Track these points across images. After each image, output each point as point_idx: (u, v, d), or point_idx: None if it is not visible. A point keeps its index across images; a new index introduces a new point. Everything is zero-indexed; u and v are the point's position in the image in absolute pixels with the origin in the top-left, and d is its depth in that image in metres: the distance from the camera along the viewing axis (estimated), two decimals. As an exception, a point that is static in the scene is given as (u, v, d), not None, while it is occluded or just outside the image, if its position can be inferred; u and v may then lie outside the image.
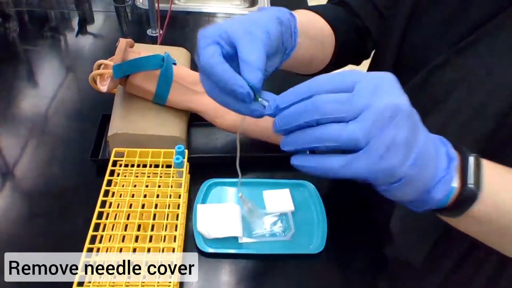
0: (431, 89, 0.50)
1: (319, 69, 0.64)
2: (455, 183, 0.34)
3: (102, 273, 0.54)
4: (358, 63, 0.71)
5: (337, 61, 0.65)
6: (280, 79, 0.66)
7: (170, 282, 0.53)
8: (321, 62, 0.63)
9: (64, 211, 0.70)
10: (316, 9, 0.62)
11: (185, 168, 0.66)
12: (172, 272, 0.53)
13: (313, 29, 0.57)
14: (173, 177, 0.65)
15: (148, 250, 0.56)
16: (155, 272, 0.54)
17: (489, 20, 0.44)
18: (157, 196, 0.62)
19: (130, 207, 0.62)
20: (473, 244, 0.51)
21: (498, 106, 0.43)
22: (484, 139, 0.45)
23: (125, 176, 0.66)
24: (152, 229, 0.60)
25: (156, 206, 0.61)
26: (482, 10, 0.46)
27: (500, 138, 0.44)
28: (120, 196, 0.64)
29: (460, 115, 0.47)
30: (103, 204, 0.59)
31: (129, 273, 0.53)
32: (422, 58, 0.53)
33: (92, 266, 0.53)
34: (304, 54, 0.54)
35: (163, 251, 0.56)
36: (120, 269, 0.55)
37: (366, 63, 0.73)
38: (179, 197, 0.61)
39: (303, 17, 0.53)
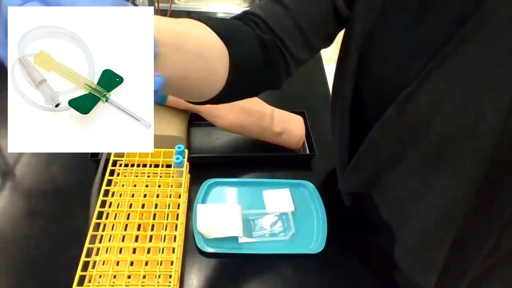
0: (410, 118, 0.45)
1: (209, 95, 0.47)
2: None
3: (102, 273, 0.54)
4: (274, 87, 0.55)
5: (235, 86, 0.48)
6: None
7: (170, 282, 0.53)
8: (211, 85, 0.46)
9: (64, 211, 0.70)
10: (205, 20, 0.45)
11: (185, 168, 0.66)
12: (172, 272, 0.53)
13: (191, 41, 0.41)
14: (173, 177, 0.65)
15: (148, 250, 0.56)
16: (155, 272, 0.54)
17: (453, 34, 0.39)
18: (157, 196, 0.62)
19: (130, 207, 0.62)
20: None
21: (491, 121, 0.39)
22: (485, 158, 0.41)
23: (125, 176, 0.66)
24: (152, 229, 0.60)
25: (156, 206, 0.61)
26: (443, 25, 0.41)
27: (504, 156, 0.40)
28: (120, 196, 0.64)
29: (454, 137, 0.43)
30: (103, 204, 0.59)
31: (129, 273, 0.54)
32: (387, 88, 0.48)
33: (92, 266, 0.54)
34: (177, 72, 0.40)
35: (163, 251, 0.56)
36: (120, 269, 0.55)
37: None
38: (179, 197, 0.61)
39: (179, 26, 0.41)
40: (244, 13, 0.52)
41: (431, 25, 0.43)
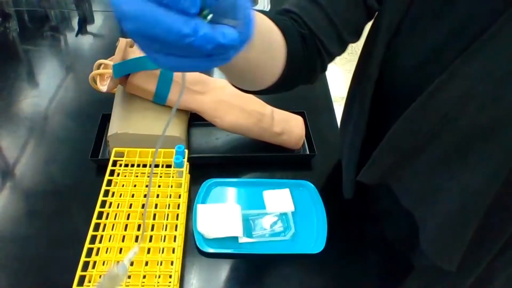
0: (438, 108, 0.46)
1: (266, 84, 0.50)
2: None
3: (102, 273, 0.54)
4: (310, 81, 0.57)
5: (286, 77, 0.50)
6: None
7: (170, 282, 0.53)
8: (270, 74, 0.49)
9: (64, 211, 0.70)
10: (263, 13, 0.47)
11: (185, 168, 0.66)
12: (172, 272, 0.53)
13: (264, 29, 0.45)
14: (173, 177, 0.65)
15: (148, 250, 0.56)
16: (155, 272, 0.54)
17: (485, 28, 0.40)
18: (157, 196, 0.62)
19: (130, 207, 0.62)
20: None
21: None
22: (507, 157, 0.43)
23: (125, 176, 0.66)
24: (152, 229, 0.60)
25: (156, 206, 0.61)
26: (477, 11, 0.42)
27: None
28: (120, 196, 0.64)
29: (484, 129, 0.44)
30: (103, 204, 0.59)
31: (129, 273, 0.54)
32: (416, 78, 0.49)
33: (92, 266, 0.54)
34: (256, 58, 0.43)
35: (163, 251, 0.56)
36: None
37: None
38: (179, 197, 0.61)
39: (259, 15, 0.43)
40: (283, 9, 0.54)
41: (464, 12, 0.43)
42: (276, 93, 0.53)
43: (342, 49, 0.55)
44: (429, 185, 0.53)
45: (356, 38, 0.56)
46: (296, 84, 0.56)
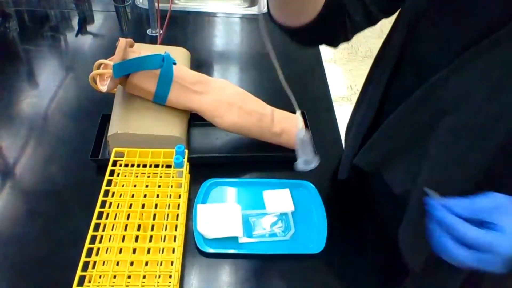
0: (435, 103, 0.48)
1: (307, 18, 0.52)
2: None
3: (102, 273, 0.54)
4: (333, 43, 0.60)
5: (323, 16, 0.52)
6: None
7: (170, 282, 0.53)
8: (314, 4, 0.51)
9: (64, 211, 0.70)
10: None
11: (185, 168, 0.66)
12: (172, 272, 0.53)
13: None
14: (173, 177, 0.65)
15: (148, 250, 0.56)
16: (155, 272, 0.54)
17: (491, 32, 0.41)
18: (157, 196, 0.62)
19: (130, 207, 0.62)
20: None
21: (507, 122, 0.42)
22: (490, 159, 0.44)
23: (125, 176, 0.65)
24: (152, 229, 0.60)
25: (156, 206, 0.61)
26: (486, 21, 0.43)
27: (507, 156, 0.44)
28: (120, 196, 0.64)
29: (469, 131, 0.46)
30: (103, 204, 0.59)
31: (129, 273, 0.54)
32: (426, 64, 0.51)
33: (92, 266, 0.54)
34: None
35: (163, 251, 0.56)
36: (120, 269, 0.55)
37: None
38: (179, 197, 0.61)
39: None
40: None
41: (483, 11, 0.43)
42: (307, 41, 0.58)
43: (368, 20, 0.56)
44: (421, 177, 0.53)
45: (386, 15, 0.57)
46: (323, 36, 0.57)
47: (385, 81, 0.57)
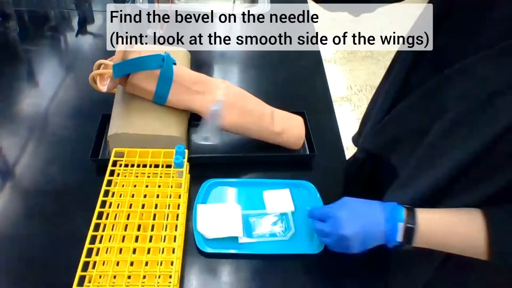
0: (441, 99, 0.50)
1: None
2: (400, 239, 0.54)
3: (102, 273, 0.54)
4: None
5: None
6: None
7: (170, 282, 0.53)
8: None
9: (64, 211, 0.70)
10: None
11: (185, 168, 0.66)
12: (172, 272, 0.53)
13: None
14: (173, 177, 0.65)
15: (148, 250, 0.56)
16: (155, 272, 0.54)
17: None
18: (157, 196, 0.62)
19: (130, 207, 0.62)
20: None
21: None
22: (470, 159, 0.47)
23: (125, 176, 0.66)
24: (152, 229, 0.60)
25: (156, 206, 0.61)
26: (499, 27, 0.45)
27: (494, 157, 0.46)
28: (120, 196, 0.64)
29: (459, 129, 0.48)
30: (103, 204, 0.59)
31: (129, 273, 0.54)
32: (445, 60, 0.52)
33: (92, 266, 0.54)
34: None
35: (163, 251, 0.56)
36: (120, 269, 0.55)
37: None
38: (179, 197, 0.61)
39: None
40: None
41: (498, 17, 0.45)
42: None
43: None
44: (423, 161, 0.55)
45: None
46: None
47: (403, 74, 0.59)
